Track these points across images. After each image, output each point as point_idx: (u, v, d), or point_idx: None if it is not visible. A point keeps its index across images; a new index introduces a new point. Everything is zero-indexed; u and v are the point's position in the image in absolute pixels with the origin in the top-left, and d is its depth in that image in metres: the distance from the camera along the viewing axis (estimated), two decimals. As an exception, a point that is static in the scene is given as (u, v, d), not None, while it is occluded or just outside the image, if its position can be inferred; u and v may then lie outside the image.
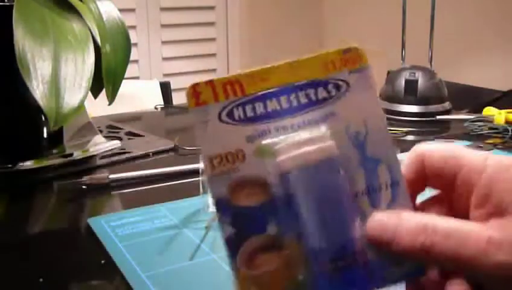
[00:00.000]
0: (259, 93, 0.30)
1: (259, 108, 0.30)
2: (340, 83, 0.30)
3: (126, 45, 0.61)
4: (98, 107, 0.71)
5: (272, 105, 0.30)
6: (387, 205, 0.30)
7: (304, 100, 0.30)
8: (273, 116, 0.30)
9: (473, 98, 1.05)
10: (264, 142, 0.29)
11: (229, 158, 0.29)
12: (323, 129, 0.30)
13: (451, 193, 0.32)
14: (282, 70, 0.30)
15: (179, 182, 0.58)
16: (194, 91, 0.29)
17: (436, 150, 0.32)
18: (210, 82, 0.29)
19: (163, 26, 2.26)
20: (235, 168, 0.29)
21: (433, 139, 0.78)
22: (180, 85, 2.29)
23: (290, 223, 0.29)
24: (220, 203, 0.29)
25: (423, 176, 0.32)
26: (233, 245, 0.29)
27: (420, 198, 0.32)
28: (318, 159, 0.29)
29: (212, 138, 0.29)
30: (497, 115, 0.78)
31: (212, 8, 2.37)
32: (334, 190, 0.29)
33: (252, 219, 0.29)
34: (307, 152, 0.29)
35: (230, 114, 0.29)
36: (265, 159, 0.29)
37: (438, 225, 0.28)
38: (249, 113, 0.29)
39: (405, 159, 0.32)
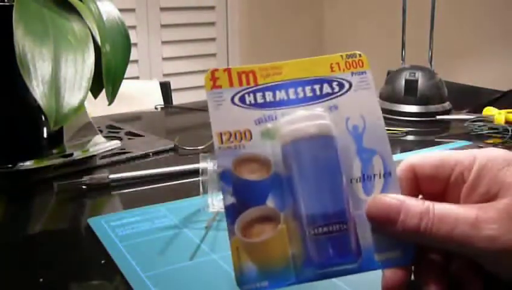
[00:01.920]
0: (270, 84, 0.33)
1: (269, 96, 0.33)
2: (343, 82, 0.34)
3: (126, 45, 0.61)
4: (98, 107, 0.71)
5: (280, 95, 0.33)
6: (380, 192, 0.32)
7: (309, 93, 0.33)
8: (280, 105, 0.33)
9: (473, 98, 1.05)
10: (270, 125, 0.32)
11: (237, 136, 0.32)
12: (320, 110, 0.33)
13: (444, 194, 0.34)
14: (292, 67, 0.34)
15: (179, 182, 0.58)
16: (213, 76, 0.33)
17: (425, 160, 0.34)
18: (228, 70, 0.33)
19: (163, 26, 2.26)
20: (241, 145, 0.32)
21: (434, 139, 0.78)
22: (180, 85, 2.29)
23: (288, 201, 0.31)
24: (223, 175, 0.31)
25: (416, 186, 0.34)
26: (232, 213, 0.31)
27: None
28: (315, 133, 0.32)
29: (223, 116, 0.32)
30: (497, 115, 0.78)
31: (212, 8, 2.37)
32: (328, 162, 0.32)
33: (252, 192, 0.32)
34: (305, 126, 0.32)
35: (242, 99, 0.33)
36: (270, 140, 0.32)
37: (435, 208, 0.30)
38: (259, 100, 0.33)
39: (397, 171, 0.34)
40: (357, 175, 0.32)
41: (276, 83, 0.33)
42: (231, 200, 0.31)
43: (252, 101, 0.33)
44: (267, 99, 0.33)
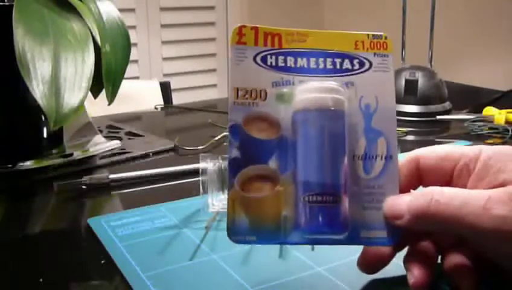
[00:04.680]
0: (293, 49, 0.34)
1: (290, 62, 0.34)
2: (365, 60, 0.34)
3: (126, 45, 0.61)
4: (98, 107, 0.71)
5: (301, 62, 0.34)
6: (379, 173, 0.33)
7: (329, 66, 0.34)
8: (300, 72, 0.34)
9: (473, 98, 1.05)
10: (285, 89, 0.33)
11: (252, 93, 0.33)
12: (335, 84, 0.33)
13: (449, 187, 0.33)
14: (317, 37, 0.34)
15: (179, 182, 0.58)
16: (240, 31, 0.33)
17: (430, 152, 0.35)
18: (255, 28, 0.34)
19: (163, 26, 2.26)
20: (255, 103, 0.33)
21: (434, 139, 0.78)
22: (180, 85, 2.29)
23: (290, 165, 0.32)
24: (233, 128, 0.32)
25: (416, 177, 0.35)
26: (235, 166, 0.32)
27: None
28: (328, 105, 0.32)
29: (243, 72, 0.33)
30: (497, 115, 0.78)
31: (212, 8, 2.37)
32: (334, 137, 0.32)
33: (257, 150, 0.33)
34: (320, 97, 0.33)
35: (263, 59, 0.33)
36: (283, 104, 0.33)
37: (443, 189, 0.30)
38: (280, 63, 0.33)
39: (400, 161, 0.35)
40: (360, 153, 0.33)
41: (300, 50, 0.34)
42: (236, 154, 0.32)
43: (273, 63, 0.33)
44: (288, 64, 0.34)
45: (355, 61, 0.34)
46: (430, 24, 0.95)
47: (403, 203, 0.31)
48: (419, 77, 0.88)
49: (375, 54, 0.34)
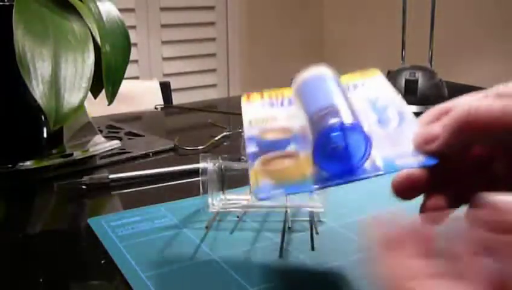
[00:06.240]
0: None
1: (295, 101, 0.38)
2: (358, 83, 0.39)
3: (126, 45, 0.61)
4: (98, 107, 0.71)
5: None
6: (397, 125, 0.34)
7: None
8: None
9: (473, 98, 1.05)
10: (294, 110, 0.37)
11: (263, 120, 0.38)
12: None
13: (502, 159, 0.30)
14: None
15: (179, 182, 0.58)
16: (248, 96, 0.41)
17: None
18: (260, 92, 0.41)
19: (163, 26, 2.26)
20: (268, 124, 0.38)
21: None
22: (180, 85, 2.30)
23: (306, 147, 0.34)
24: (250, 138, 0.36)
25: (467, 140, 0.29)
26: (254, 156, 0.35)
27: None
28: (313, 73, 0.36)
29: (253, 110, 0.39)
30: (497, 115, 0.78)
31: (212, 8, 2.37)
32: (328, 84, 0.35)
33: (274, 144, 0.36)
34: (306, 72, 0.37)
35: (270, 103, 0.40)
36: (294, 120, 0.36)
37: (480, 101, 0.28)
38: (286, 104, 0.39)
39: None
40: (373, 120, 0.35)
41: None
42: (254, 149, 0.35)
43: (280, 105, 0.39)
44: (293, 103, 0.38)
45: (350, 87, 0.38)
46: (430, 24, 0.95)
47: (435, 125, 0.29)
48: (419, 77, 0.88)
49: (366, 78, 0.39)
